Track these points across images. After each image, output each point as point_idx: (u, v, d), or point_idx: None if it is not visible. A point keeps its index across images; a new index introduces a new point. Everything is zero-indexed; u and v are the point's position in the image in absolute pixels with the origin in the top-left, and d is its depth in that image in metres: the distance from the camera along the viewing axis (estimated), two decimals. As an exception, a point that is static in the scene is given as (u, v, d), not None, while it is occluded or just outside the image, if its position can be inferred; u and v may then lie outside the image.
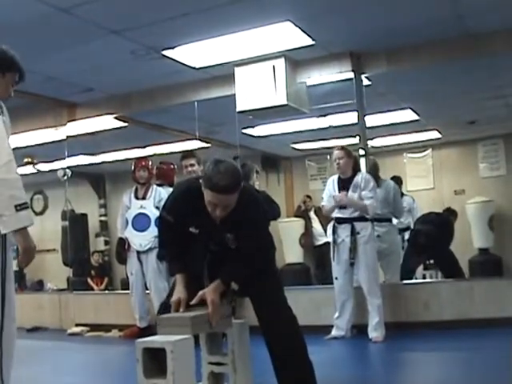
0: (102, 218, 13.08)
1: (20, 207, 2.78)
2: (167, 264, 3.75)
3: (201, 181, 3.34)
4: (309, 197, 11.52)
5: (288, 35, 6.30)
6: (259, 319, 3.62)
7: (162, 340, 3.03)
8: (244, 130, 9.22)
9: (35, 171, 10.68)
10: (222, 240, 3.51)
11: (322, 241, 10.00)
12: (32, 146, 9.48)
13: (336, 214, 6.51)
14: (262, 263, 3.61)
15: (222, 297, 3.46)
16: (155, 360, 2.99)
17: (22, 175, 2.84)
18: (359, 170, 6.67)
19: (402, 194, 8.55)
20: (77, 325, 8.11)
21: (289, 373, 3.59)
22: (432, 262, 8.85)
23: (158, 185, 7.43)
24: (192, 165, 6.45)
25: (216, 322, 3.34)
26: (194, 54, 6.71)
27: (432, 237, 7.98)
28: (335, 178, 6.67)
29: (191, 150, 7.01)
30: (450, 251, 8.43)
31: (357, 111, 7.24)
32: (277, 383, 3.59)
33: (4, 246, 2.91)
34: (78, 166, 9.92)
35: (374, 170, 7.18)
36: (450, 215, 9.60)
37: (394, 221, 7.63)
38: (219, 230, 3.46)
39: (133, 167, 7.42)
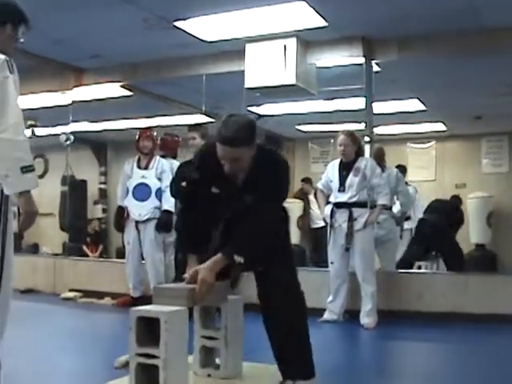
0: (102, 186, 13.10)
1: (26, 169, 2.73)
2: (181, 242, 3.57)
3: None
4: (307, 180, 11.45)
5: (301, 15, 6.26)
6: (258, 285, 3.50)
7: (156, 310, 3.02)
8: (249, 108, 9.17)
9: (38, 134, 10.62)
10: (240, 202, 3.34)
11: (319, 224, 9.96)
12: (36, 108, 9.43)
13: (335, 198, 6.51)
14: (271, 223, 3.32)
15: (222, 275, 3.28)
16: (148, 329, 2.98)
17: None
18: (362, 155, 6.63)
19: (406, 184, 8.51)
20: (70, 290, 8.12)
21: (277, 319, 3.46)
22: (435, 253, 8.75)
23: (162, 156, 7.40)
24: (194, 138, 6.37)
25: (201, 300, 3.21)
26: (206, 27, 6.66)
27: (438, 227, 7.95)
28: (336, 162, 6.62)
29: (197, 124, 6.94)
30: (456, 243, 8.39)
31: (365, 97, 7.21)
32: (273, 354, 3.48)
33: (6, 209, 2.87)
34: (81, 132, 9.89)
35: (379, 157, 7.17)
36: (457, 202, 9.60)
37: (395, 209, 7.61)
38: (239, 191, 3.35)
39: (137, 137, 7.36)
